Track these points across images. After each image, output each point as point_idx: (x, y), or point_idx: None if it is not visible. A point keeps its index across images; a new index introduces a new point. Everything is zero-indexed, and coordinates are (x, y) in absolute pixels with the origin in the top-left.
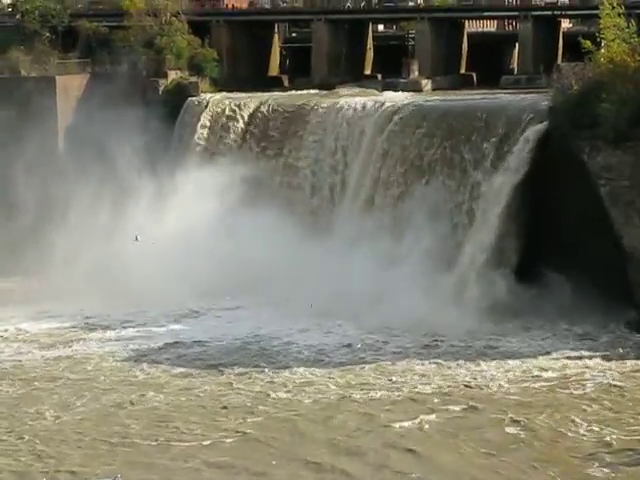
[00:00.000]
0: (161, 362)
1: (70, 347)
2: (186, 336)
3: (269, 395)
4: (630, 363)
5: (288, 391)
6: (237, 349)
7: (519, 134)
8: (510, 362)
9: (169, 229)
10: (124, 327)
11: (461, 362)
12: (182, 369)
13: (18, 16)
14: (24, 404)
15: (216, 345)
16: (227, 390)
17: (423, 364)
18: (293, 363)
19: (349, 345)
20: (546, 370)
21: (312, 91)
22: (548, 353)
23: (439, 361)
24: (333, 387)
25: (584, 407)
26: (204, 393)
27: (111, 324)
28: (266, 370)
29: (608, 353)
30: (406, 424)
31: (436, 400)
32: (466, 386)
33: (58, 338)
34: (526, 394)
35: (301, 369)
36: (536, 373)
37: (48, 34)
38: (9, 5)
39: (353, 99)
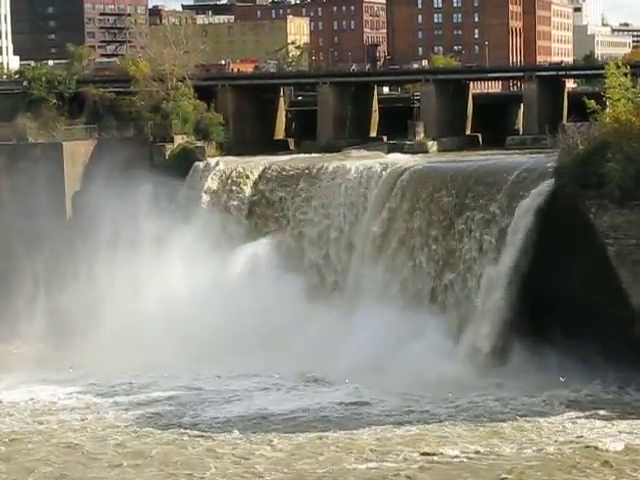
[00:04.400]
0: None
1: None
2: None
3: None
4: None
5: None
6: None
7: (524, 195)
8: None
9: (176, 294)
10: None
11: None
12: None
13: (25, 83)
14: None
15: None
16: None
17: None
18: None
19: None
20: None
21: (318, 154)
22: None
23: None
24: None
25: None
26: None
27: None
28: None
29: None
30: None
31: None
32: None
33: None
34: None
35: None
36: None
37: (55, 100)
38: (16, 72)
39: (359, 162)
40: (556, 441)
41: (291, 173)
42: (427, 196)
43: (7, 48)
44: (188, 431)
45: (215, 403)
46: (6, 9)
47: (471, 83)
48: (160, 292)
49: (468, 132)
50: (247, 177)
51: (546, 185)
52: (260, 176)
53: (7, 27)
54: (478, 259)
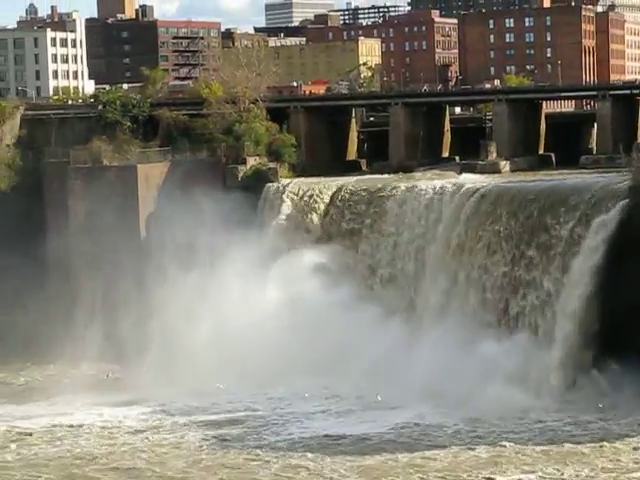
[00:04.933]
0: None
1: None
2: None
3: None
4: None
5: None
6: None
7: (600, 213)
8: None
9: (253, 312)
10: None
11: None
12: None
13: (100, 106)
14: None
15: None
16: None
17: None
18: None
19: None
20: None
21: (390, 175)
22: None
23: None
24: None
25: None
26: None
27: None
28: None
29: None
30: None
31: None
32: None
33: None
34: None
35: None
36: None
37: (129, 123)
38: (91, 96)
39: (431, 182)
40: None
41: (363, 194)
42: (502, 216)
43: (82, 72)
44: (253, 454)
45: (276, 425)
46: (81, 34)
47: (544, 102)
48: (232, 314)
49: (541, 151)
50: (320, 198)
51: (622, 203)
52: (333, 197)
53: (82, 51)
54: (556, 276)
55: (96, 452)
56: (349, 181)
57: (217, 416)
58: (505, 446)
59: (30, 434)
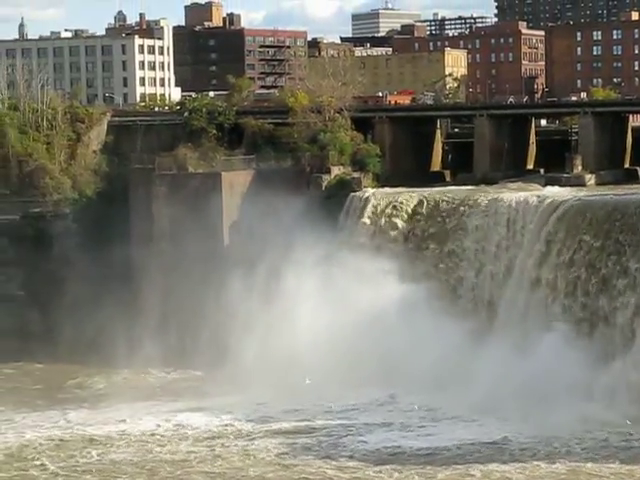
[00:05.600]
0: None
1: None
2: None
3: None
4: None
5: None
6: None
7: None
8: None
9: (334, 323)
10: None
11: None
12: None
13: (186, 114)
14: None
15: None
16: None
17: None
18: None
19: None
20: None
21: (474, 187)
22: None
23: None
24: None
25: None
26: None
27: None
28: None
29: None
30: None
31: None
32: None
33: None
34: None
35: None
36: None
37: (214, 131)
38: (177, 103)
39: (515, 194)
40: None
41: (446, 205)
42: (589, 230)
43: (169, 79)
44: (327, 464)
45: (355, 435)
46: (169, 41)
47: (630, 116)
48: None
49: (627, 165)
50: (403, 209)
51: None
52: (416, 207)
53: (170, 59)
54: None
55: (168, 457)
56: (433, 191)
57: (290, 424)
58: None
59: (110, 438)
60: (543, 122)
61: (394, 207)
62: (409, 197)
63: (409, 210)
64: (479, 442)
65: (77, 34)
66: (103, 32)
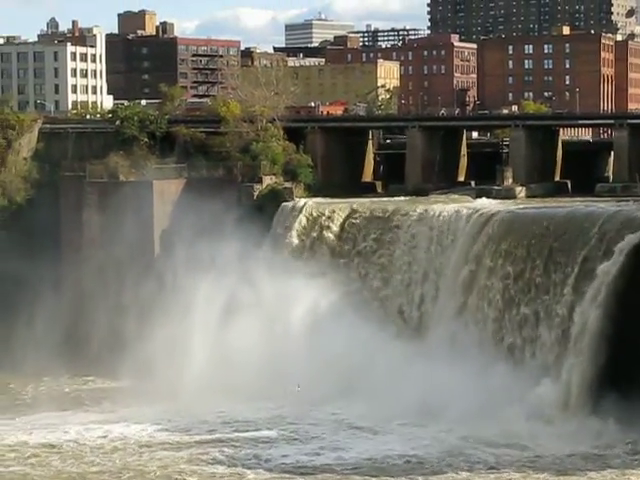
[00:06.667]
0: None
1: None
2: None
3: None
4: None
5: None
6: None
7: (612, 244)
8: None
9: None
10: None
11: None
12: None
13: (118, 122)
14: None
15: None
16: None
17: None
18: None
19: None
20: None
21: (405, 198)
22: None
23: None
24: None
25: None
26: None
27: None
28: None
29: None
30: None
31: None
32: None
33: None
34: None
35: None
36: None
37: (146, 139)
38: (109, 111)
39: (446, 206)
40: None
41: (377, 215)
42: (516, 243)
43: (102, 87)
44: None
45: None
46: (101, 49)
47: (561, 130)
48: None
49: (557, 178)
50: (334, 219)
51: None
52: (347, 218)
53: (102, 67)
54: (569, 304)
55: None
56: (364, 202)
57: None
58: None
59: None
60: (475, 134)
61: (326, 217)
62: (340, 207)
63: (341, 220)
64: None
65: (9, 40)
66: (35, 39)
